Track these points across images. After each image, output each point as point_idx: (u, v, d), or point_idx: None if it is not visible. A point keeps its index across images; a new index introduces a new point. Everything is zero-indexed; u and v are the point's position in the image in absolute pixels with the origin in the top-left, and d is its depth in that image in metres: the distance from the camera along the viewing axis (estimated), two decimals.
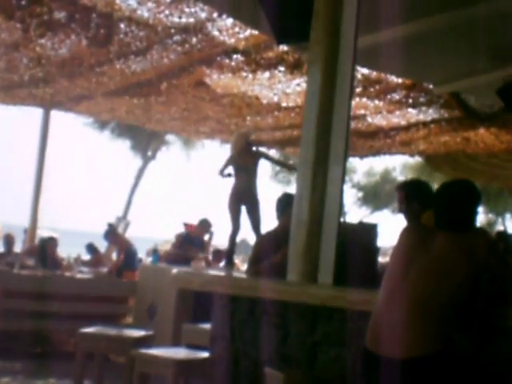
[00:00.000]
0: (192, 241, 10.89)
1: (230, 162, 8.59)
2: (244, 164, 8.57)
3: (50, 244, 10.46)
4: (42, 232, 11.88)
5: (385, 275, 3.70)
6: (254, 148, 8.85)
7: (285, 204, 5.81)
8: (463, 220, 3.69)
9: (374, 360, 3.50)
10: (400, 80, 8.94)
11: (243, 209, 8.56)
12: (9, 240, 11.03)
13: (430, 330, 3.39)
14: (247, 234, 8.68)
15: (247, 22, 7.42)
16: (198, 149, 30.02)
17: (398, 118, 10.83)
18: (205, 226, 11.16)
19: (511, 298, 3.67)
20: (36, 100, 11.28)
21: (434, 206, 3.79)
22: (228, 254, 8.96)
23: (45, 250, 10.32)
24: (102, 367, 5.86)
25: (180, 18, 7.56)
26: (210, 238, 11.34)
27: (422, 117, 10.62)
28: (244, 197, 8.52)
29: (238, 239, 9.55)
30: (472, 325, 3.57)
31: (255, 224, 8.53)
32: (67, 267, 10.34)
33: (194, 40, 8.02)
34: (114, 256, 11.38)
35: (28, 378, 7.68)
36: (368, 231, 4.96)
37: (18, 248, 11.57)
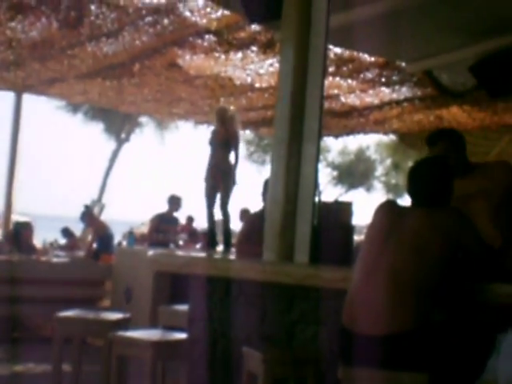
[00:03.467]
0: (168, 220, 10.84)
1: (214, 135, 8.55)
2: (221, 139, 8.50)
3: (24, 229, 10.40)
4: (16, 217, 11.81)
5: (360, 253, 3.72)
6: (234, 127, 8.79)
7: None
8: (437, 196, 3.72)
9: (350, 338, 3.52)
10: (373, 59, 8.93)
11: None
12: None
13: (406, 306, 3.41)
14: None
15: (218, 2, 7.38)
16: (171, 130, 30.04)
17: (371, 97, 10.84)
18: (173, 202, 10.99)
19: (485, 274, 3.70)
20: (7, 84, 11.16)
21: (408, 183, 3.82)
22: (209, 234, 8.83)
23: (19, 235, 10.26)
24: (79, 351, 5.84)
25: None
26: None
27: (395, 95, 10.64)
28: (219, 172, 8.44)
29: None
30: (448, 301, 3.60)
31: (224, 200, 8.46)
32: (42, 252, 10.29)
33: (166, 21, 7.96)
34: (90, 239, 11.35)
35: (6, 363, 7.66)
36: (343, 210, 4.97)
37: None
